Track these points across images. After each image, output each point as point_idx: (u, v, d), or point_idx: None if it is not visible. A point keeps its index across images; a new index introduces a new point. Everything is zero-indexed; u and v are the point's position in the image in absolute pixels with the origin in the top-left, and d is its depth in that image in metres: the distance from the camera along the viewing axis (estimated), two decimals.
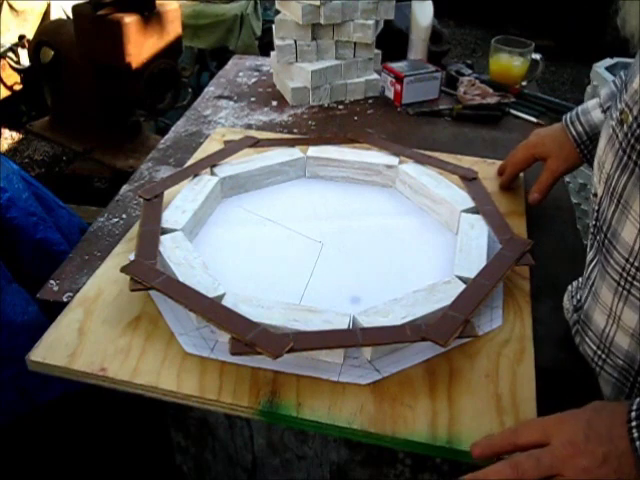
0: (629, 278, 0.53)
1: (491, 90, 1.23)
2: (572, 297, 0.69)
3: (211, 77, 1.48)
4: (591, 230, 0.60)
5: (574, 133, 0.82)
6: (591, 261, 0.60)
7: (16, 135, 2.76)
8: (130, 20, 1.79)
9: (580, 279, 0.70)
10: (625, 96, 0.54)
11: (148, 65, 1.89)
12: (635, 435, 0.43)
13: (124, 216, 0.87)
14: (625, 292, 0.54)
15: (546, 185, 0.84)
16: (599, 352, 0.60)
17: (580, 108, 0.83)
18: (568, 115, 0.84)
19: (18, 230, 0.99)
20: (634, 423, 0.44)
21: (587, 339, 0.62)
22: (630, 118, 0.51)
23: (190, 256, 0.69)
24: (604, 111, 0.77)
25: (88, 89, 2.01)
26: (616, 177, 0.53)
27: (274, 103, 1.24)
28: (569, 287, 0.71)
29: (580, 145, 0.82)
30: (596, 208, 0.59)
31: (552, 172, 0.84)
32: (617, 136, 0.54)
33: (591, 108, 0.81)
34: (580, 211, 1.54)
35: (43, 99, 2.42)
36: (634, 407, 0.45)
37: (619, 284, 0.54)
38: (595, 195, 0.60)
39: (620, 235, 0.53)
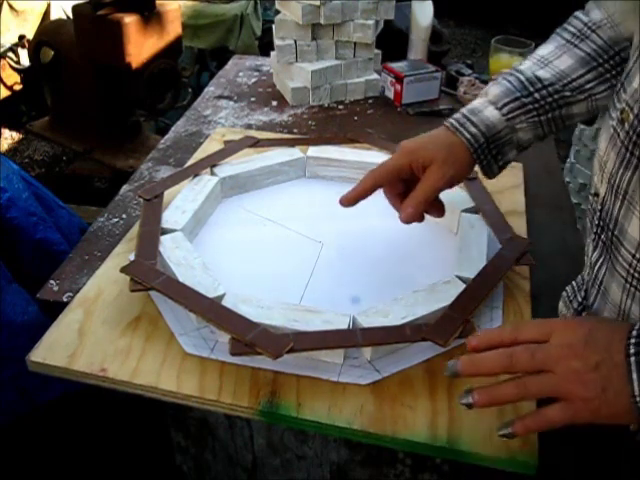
0: (636, 274, 0.53)
1: None
2: (570, 301, 0.68)
3: (211, 77, 1.48)
4: (594, 230, 0.60)
5: (467, 136, 0.67)
6: (597, 261, 0.60)
7: (16, 135, 2.76)
8: (130, 20, 1.79)
9: (574, 283, 0.69)
10: (624, 96, 0.54)
11: (148, 65, 1.89)
12: (632, 351, 0.44)
13: (124, 216, 0.87)
14: (632, 289, 0.54)
15: (424, 197, 0.67)
16: None
17: (465, 110, 0.70)
18: (451, 119, 0.70)
19: (18, 230, 0.99)
20: (633, 340, 0.45)
21: None
22: (631, 116, 0.52)
23: (190, 256, 0.69)
24: (499, 108, 0.68)
25: (88, 89, 2.01)
26: (620, 175, 0.53)
27: (274, 103, 1.24)
28: (564, 293, 0.70)
29: (477, 150, 0.68)
30: (599, 208, 0.58)
31: (436, 180, 0.66)
32: (619, 135, 0.54)
33: (481, 107, 0.69)
34: (580, 211, 1.54)
35: (43, 99, 2.42)
36: (636, 327, 0.45)
37: (627, 281, 0.54)
38: (597, 195, 0.59)
39: (627, 231, 0.53)
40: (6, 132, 2.73)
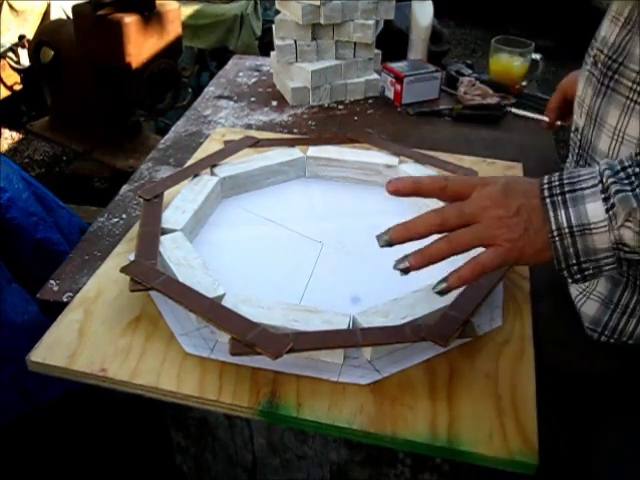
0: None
1: (491, 90, 1.23)
2: None
3: (211, 77, 1.48)
4: (574, 159, 0.69)
5: None
6: None
7: (16, 135, 2.76)
8: (130, 20, 1.79)
9: None
10: (596, 44, 0.66)
11: (148, 65, 1.89)
12: (546, 194, 0.51)
13: (124, 216, 0.87)
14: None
15: (556, 104, 0.94)
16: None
17: None
18: None
19: (18, 230, 0.99)
20: (546, 186, 0.51)
21: None
22: (602, 56, 0.63)
23: (190, 256, 0.69)
24: None
25: (88, 89, 2.01)
26: (595, 104, 0.64)
27: (274, 103, 1.24)
28: None
29: None
30: (579, 139, 0.68)
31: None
32: (593, 75, 0.65)
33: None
34: None
35: (43, 99, 2.42)
36: (546, 177, 0.52)
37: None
38: (577, 129, 0.69)
39: (598, 147, 0.63)
40: (6, 132, 2.73)
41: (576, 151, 0.70)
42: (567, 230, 0.50)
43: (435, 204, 0.83)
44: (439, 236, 0.53)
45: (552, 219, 0.50)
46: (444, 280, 0.53)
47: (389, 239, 0.54)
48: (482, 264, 0.52)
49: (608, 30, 0.64)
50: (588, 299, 0.70)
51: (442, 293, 0.53)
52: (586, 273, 0.51)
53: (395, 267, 0.54)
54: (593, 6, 3.57)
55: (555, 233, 0.50)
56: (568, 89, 0.91)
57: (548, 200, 0.51)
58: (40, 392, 0.97)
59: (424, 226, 0.53)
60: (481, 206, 0.52)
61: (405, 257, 0.53)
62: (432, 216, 0.53)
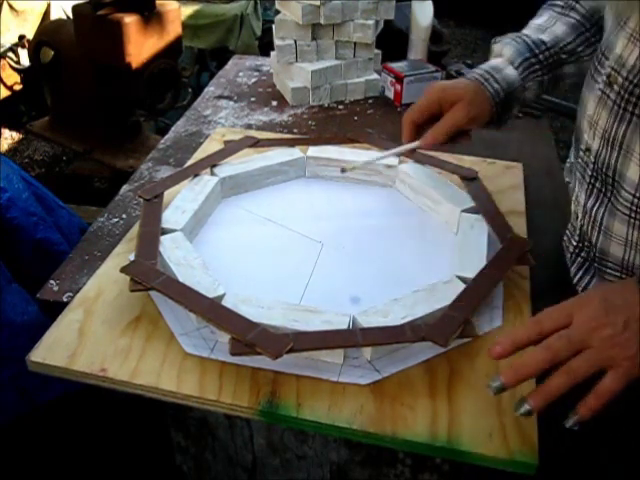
0: (639, 210, 0.60)
1: None
2: (567, 247, 0.75)
3: (211, 77, 1.48)
4: (587, 181, 0.67)
5: (491, 90, 0.75)
6: (593, 206, 0.66)
7: (16, 135, 2.76)
8: (130, 20, 1.79)
9: (568, 231, 0.75)
10: (607, 62, 0.62)
11: (148, 65, 1.89)
12: None
13: (124, 216, 0.87)
14: (637, 222, 0.61)
15: (446, 130, 0.74)
16: (622, 276, 0.65)
17: (486, 67, 0.78)
18: (475, 74, 0.77)
19: (18, 230, 0.99)
20: None
21: (608, 270, 0.66)
22: (620, 79, 0.59)
23: (190, 256, 0.69)
24: (516, 68, 0.76)
25: (88, 89, 2.01)
26: (615, 129, 0.61)
27: (274, 103, 1.24)
28: (564, 237, 0.77)
29: (498, 103, 0.76)
30: (592, 161, 0.65)
31: (461, 117, 0.73)
32: (608, 96, 0.61)
33: (502, 66, 0.77)
34: None
35: (43, 99, 2.42)
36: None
37: (630, 216, 0.61)
38: (588, 150, 0.66)
39: (626, 176, 0.60)
40: (6, 132, 2.73)
41: (589, 173, 0.66)
42: None
43: (434, 204, 0.83)
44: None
45: None
46: (575, 413, 0.50)
47: (502, 385, 0.51)
48: (608, 391, 0.49)
49: (625, 49, 0.59)
50: None
51: (573, 426, 0.51)
52: None
53: (518, 413, 0.51)
54: None
55: None
56: (433, 105, 0.76)
57: None
58: (40, 392, 0.97)
59: (535, 365, 0.50)
60: (587, 330, 0.49)
61: (523, 400, 0.51)
62: (541, 353, 0.50)
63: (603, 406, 0.50)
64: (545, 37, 0.77)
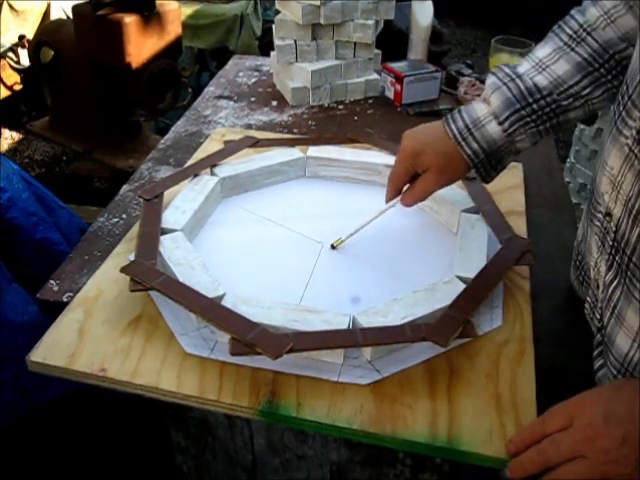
0: None
1: None
2: (591, 319, 0.65)
3: (211, 77, 1.48)
4: (608, 251, 0.58)
5: (469, 152, 0.70)
6: (611, 282, 0.58)
7: (16, 135, 2.76)
8: (130, 20, 1.79)
9: (589, 299, 0.66)
10: (638, 113, 0.53)
11: (148, 65, 1.89)
12: None
13: (124, 216, 0.87)
14: None
15: (420, 196, 0.74)
16: (619, 375, 0.57)
17: (469, 119, 0.70)
18: (455, 128, 0.70)
19: (18, 230, 0.99)
20: None
21: (609, 360, 0.58)
22: None
23: (190, 256, 0.69)
24: (500, 123, 0.69)
25: (88, 89, 2.01)
26: None
27: (274, 103, 1.24)
28: (586, 305, 0.67)
29: (477, 164, 0.71)
30: (613, 229, 0.57)
31: (430, 186, 0.73)
32: (636, 156, 0.52)
33: (484, 120, 0.70)
34: (580, 211, 1.54)
35: (43, 99, 2.42)
36: None
37: None
38: (609, 215, 0.58)
39: None
40: (6, 132, 2.73)
41: (609, 243, 0.58)
42: None
43: (434, 204, 0.83)
44: None
45: None
46: None
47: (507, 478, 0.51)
48: None
49: None
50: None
51: None
52: None
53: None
54: None
55: None
56: (408, 170, 0.73)
57: None
58: (40, 392, 0.97)
59: (532, 467, 0.49)
60: (582, 438, 0.46)
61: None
62: (535, 456, 0.49)
63: None
64: (542, 81, 0.68)
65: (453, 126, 0.71)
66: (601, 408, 0.46)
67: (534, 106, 0.68)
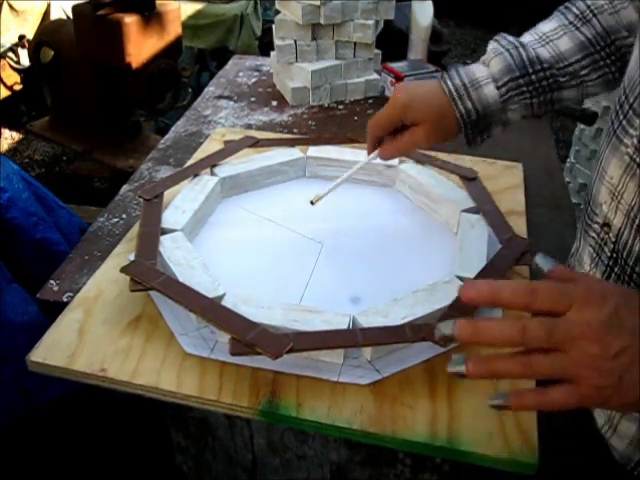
0: None
1: None
2: None
3: (211, 77, 1.48)
4: (605, 262, 0.56)
5: (462, 110, 0.69)
6: None
7: (16, 135, 2.76)
8: (130, 20, 1.79)
9: None
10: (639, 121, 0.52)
11: (148, 65, 1.89)
12: None
13: (124, 216, 0.87)
14: None
15: (404, 150, 0.73)
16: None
17: (467, 78, 0.70)
18: (452, 85, 0.69)
19: (18, 230, 0.99)
20: None
21: None
22: None
23: (190, 256, 0.69)
24: (498, 87, 0.68)
25: (88, 89, 2.01)
26: None
27: (274, 103, 1.24)
28: None
29: (467, 124, 0.70)
30: (612, 240, 0.55)
31: (418, 142, 0.70)
32: (638, 165, 0.51)
33: (482, 82, 0.69)
34: (580, 211, 1.54)
35: (43, 99, 2.42)
36: None
37: None
38: (607, 225, 0.55)
39: None
40: (6, 132, 2.74)
41: (607, 253, 0.56)
42: None
43: (434, 204, 0.83)
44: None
45: None
46: (504, 396, 0.43)
47: (451, 336, 0.43)
48: (552, 402, 0.42)
49: None
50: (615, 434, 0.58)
51: (497, 408, 0.44)
52: None
53: (449, 370, 0.44)
54: None
55: None
56: (395, 120, 0.71)
57: None
58: (40, 392, 0.97)
59: (499, 336, 0.42)
60: (575, 334, 0.40)
61: (462, 359, 0.43)
62: (511, 327, 0.42)
63: (535, 409, 0.43)
64: (545, 53, 0.68)
65: (449, 82, 0.70)
66: (607, 310, 0.40)
67: (532, 77, 0.68)
